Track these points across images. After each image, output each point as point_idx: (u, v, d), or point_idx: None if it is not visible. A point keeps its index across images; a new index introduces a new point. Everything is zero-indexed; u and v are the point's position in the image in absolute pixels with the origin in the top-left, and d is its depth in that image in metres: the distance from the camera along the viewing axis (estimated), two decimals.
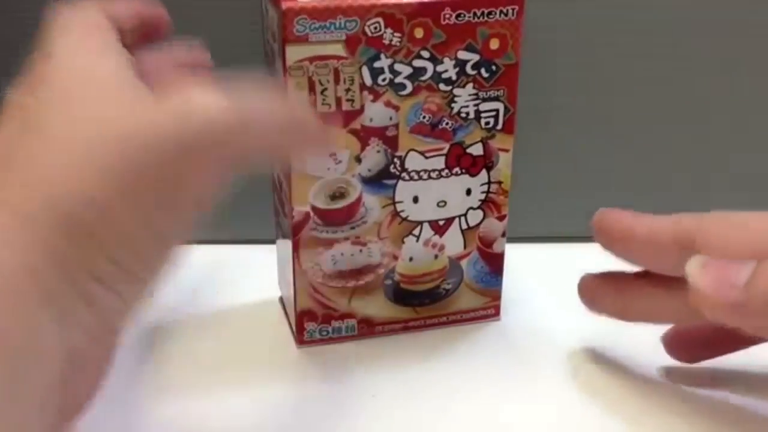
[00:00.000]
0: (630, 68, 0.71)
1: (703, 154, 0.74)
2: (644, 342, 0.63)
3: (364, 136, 0.56)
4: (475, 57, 0.56)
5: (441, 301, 0.63)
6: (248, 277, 0.70)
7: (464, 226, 0.61)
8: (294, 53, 0.53)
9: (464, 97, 0.57)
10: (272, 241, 0.67)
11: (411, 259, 0.61)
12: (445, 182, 0.59)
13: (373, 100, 0.55)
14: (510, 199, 0.61)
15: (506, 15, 0.55)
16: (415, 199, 0.59)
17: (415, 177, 0.58)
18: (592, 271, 0.71)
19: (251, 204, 0.72)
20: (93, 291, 0.41)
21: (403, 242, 0.60)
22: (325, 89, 0.54)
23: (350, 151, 0.57)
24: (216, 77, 0.69)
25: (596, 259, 0.74)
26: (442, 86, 0.56)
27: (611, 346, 0.63)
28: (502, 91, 0.57)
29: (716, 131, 0.73)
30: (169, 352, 0.62)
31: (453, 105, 0.57)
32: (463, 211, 0.61)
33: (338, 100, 0.55)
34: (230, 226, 0.75)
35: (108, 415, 0.56)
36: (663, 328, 0.65)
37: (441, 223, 0.61)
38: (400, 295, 0.62)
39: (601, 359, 0.61)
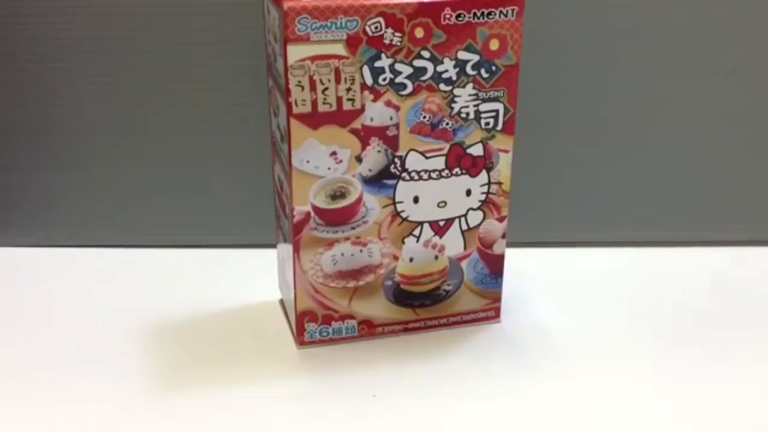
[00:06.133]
0: (631, 69, 0.71)
1: (705, 156, 0.74)
2: (644, 343, 0.63)
3: (364, 135, 0.57)
4: (475, 57, 0.56)
5: (441, 303, 0.64)
6: (249, 279, 0.70)
7: (464, 227, 0.61)
8: (295, 53, 0.53)
9: (464, 97, 0.57)
10: (273, 246, 0.67)
11: (411, 259, 0.61)
12: (446, 183, 0.59)
13: (374, 100, 0.56)
14: (510, 203, 0.62)
15: (506, 15, 0.56)
16: (416, 200, 0.59)
17: (416, 177, 0.59)
18: (592, 275, 0.72)
19: (252, 209, 0.72)
20: None
21: (403, 243, 0.61)
22: (327, 89, 0.55)
23: (351, 150, 0.57)
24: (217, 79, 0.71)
25: (597, 263, 0.74)
26: (442, 86, 0.56)
27: (610, 347, 0.63)
28: (502, 91, 0.58)
29: (718, 134, 0.74)
30: (170, 354, 0.62)
31: (453, 105, 0.57)
32: (464, 212, 0.61)
33: (339, 100, 0.55)
34: (231, 230, 0.75)
35: (109, 414, 0.56)
36: (662, 330, 0.65)
37: (441, 223, 0.61)
38: (401, 296, 0.62)
39: (600, 361, 0.61)
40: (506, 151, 0.60)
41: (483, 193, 0.60)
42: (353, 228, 0.59)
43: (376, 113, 0.56)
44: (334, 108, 0.55)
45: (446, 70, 0.56)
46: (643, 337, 0.64)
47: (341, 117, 0.56)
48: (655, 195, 0.75)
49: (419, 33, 0.55)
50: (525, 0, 0.56)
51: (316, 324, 0.62)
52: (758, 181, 0.75)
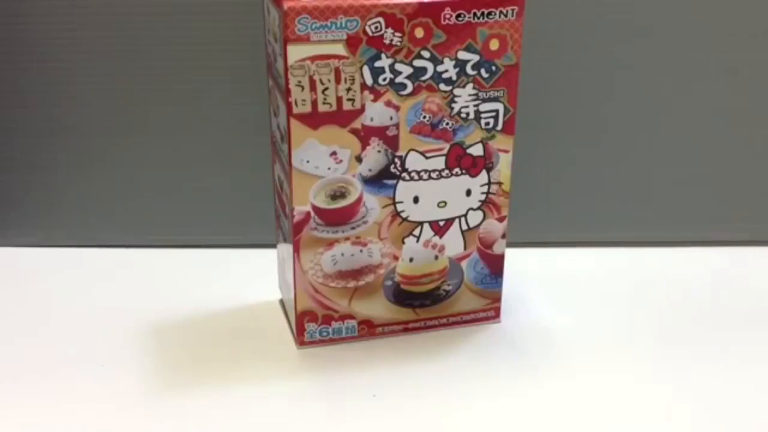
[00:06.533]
0: (631, 69, 0.71)
1: (705, 157, 0.74)
2: (644, 343, 0.63)
3: (364, 135, 0.57)
4: (475, 57, 0.56)
5: (441, 303, 0.64)
6: (249, 279, 0.70)
7: (464, 227, 0.61)
8: (295, 53, 0.53)
9: (464, 97, 0.57)
10: (273, 246, 0.67)
11: (411, 259, 0.61)
12: (446, 183, 0.59)
13: (374, 100, 0.56)
14: (510, 203, 0.62)
15: (506, 15, 0.56)
16: (416, 200, 0.59)
17: (416, 177, 0.59)
18: (592, 274, 0.72)
19: (252, 209, 0.72)
20: None
21: (403, 243, 0.61)
22: (327, 89, 0.55)
23: (351, 150, 0.57)
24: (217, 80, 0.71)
25: (597, 263, 0.74)
26: (442, 86, 0.56)
27: (610, 347, 0.63)
28: (502, 91, 0.58)
29: (718, 134, 0.74)
30: (170, 354, 0.62)
31: (453, 105, 0.57)
32: (464, 212, 0.61)
33: (339, 100, 0.55)
34: (231, 230, 0.75)
35: (109, 414, 0.56)
36: (661, 330, 0.65)
37: (441, 223, 0.61)
38: (401, 296, 0.62)
39: (600, 361, 0.61)
40: (506, 151, 0.60)
41: (483, 193, 0.60)
42: (353, 228, 0.59)
43: (376, 113, 0.56)
44: (334, 108, 0.55)
45: (446, 70, 0.56)
46: (643, 337, 0.64)
47: (341, 117, 0.56)
48: (655, 195, 0.75)
49: (419, 33, 0.55)
50: (525, 0, 0.56)
51: (316, 324, 0.62)
52: (758, 181, 0.75)
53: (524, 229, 0.72)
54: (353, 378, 0.59)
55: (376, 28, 0.54)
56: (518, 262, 0.68)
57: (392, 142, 0.57)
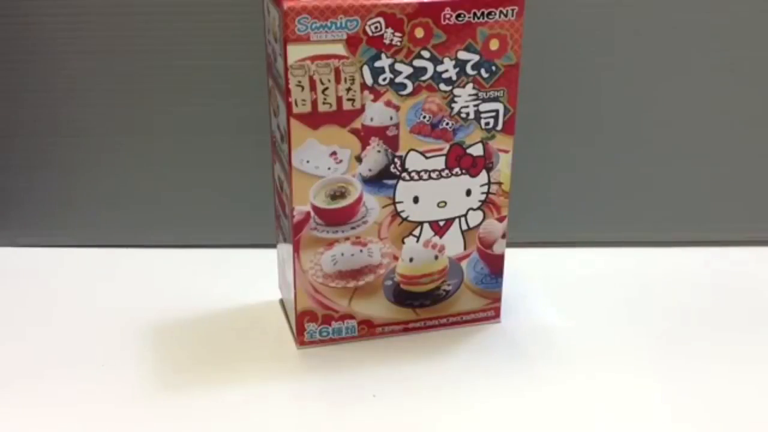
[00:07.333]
0: (631, 69, 0.71)
1: (705, 156, 0.74)
2: (644, 343, 0.63)
3: (364, 135, 0.57)
4: (475, 57, 0.56)
5: (441, 303, 0.64)
6: (249, 279, 0.70)
7: (464, 227, 0.61)
8: (295, 52, 0.53)
9: (464, 97, 0.57)
10: (273, 246, 0.67)
11: (411, 259, 0.61)
12: (446, 183, 0.59)
13: (374, 100, 0.56)
14: (510, 203, 0.62)
15: (506, 15, 0.56)
16: (416, 200, 0.59)
17: (416, 177, 0.59)
18: (592, 274, 0.72)
19: (252, 209, 0.72)
20: None
21: (403, 243, 0.61)
22: (327, 88, 0.55)
23: (351, 150, 0.57)
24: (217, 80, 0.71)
25: (597, 263, 0.74)
26: (442, 86, 0.56)
27: (610, 347, 0.63)
28: (502, 91, 0.58)
29: (718, 134, 0.74)
30: (170, 354, 0.62)
31: (453, 105, 0.57)
32: (464, 212, 0.61)
33: (339, 100, 0.55)
34: (231, 230, 0.75)
35: (108, 414, 0.56)
36: (661, 330, 0.65)
37: (441, 223, 0.61)
38: (401, 296, 0.62)
39: (600, 361, 0.61)
40: (506, 151, 0.60)
41: (483, 193, 0.60)
42: (353, 228, 0.59)
43: (376, 113, 0.56)
44: (334, 108, 0.55)
45: (446, 70, 0.56)
46: (643, 336, 0.64)
47: (341, 117, 0.56)
48: (655, 195, 0.75)
49: (419, 33, 0.55)
50: (525, 0, 0.56)
51: (316, 324, 0.62)
52: (758, 181, 0.75)
53: (524, 229, 0.72)
54: (353, 378, 0.59)
55: (376, 28, 0.54)
56: (518, 262, 0.68)
57: (392, 142, 0.57)
